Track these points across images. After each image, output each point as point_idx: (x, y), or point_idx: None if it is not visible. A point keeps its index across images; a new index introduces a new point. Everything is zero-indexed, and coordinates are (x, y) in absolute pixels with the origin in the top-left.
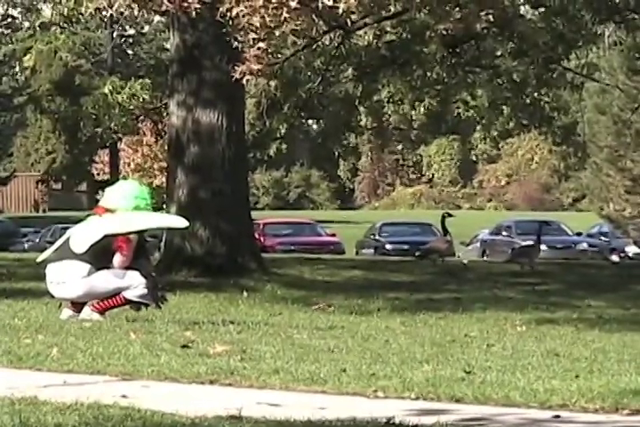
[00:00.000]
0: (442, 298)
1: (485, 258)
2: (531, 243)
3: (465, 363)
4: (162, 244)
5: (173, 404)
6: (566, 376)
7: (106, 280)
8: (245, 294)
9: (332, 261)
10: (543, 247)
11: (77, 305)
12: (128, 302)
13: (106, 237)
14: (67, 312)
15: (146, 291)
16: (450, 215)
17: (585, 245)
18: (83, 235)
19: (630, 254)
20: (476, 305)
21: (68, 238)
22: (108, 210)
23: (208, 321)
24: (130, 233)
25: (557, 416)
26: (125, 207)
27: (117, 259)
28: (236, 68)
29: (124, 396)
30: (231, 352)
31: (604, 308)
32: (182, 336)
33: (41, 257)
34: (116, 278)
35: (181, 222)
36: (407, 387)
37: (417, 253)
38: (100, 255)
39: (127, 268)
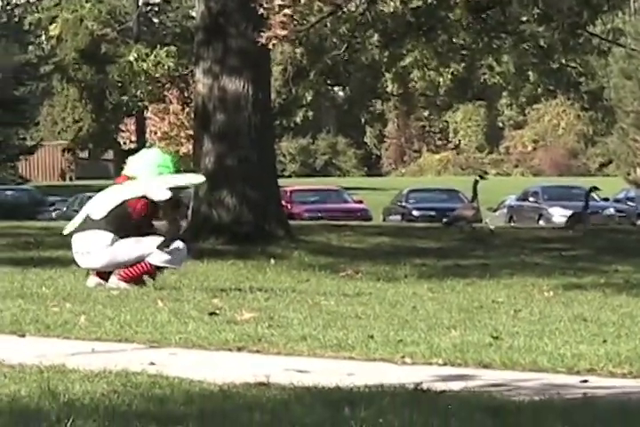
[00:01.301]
0: (469, 264)
1: (512, 224)
2: (579, 211)
3: (492, 329)
4: (189, 212)
5: (201, 371)
6: (594, 341)
7: (128, 248)
8: (273, 261)
9: (359, 227)
10: (570, 213)
11: (104, 274)
12: (153, 268)
13: (124, 202)
14: (93, 280)
15: (169, 255)
16: (482, 178)
17: (612, 211)
18: (102, 201)
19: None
20: (504, 271)
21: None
22: (129, 178)
23: (235, 288)
24: (146, 197)
25: (585, 381)
26: (148, 175)
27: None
28: (262, 33)
29: (151, 363)
30: (258, 319)
31: (632, 273)
32: (210, 304)
33: (67, 229)
34: (138, 245)
35: (198, 178)
36: (435, 353)
37: (444, 221)
38: (120, 223)
39: (150, 233)
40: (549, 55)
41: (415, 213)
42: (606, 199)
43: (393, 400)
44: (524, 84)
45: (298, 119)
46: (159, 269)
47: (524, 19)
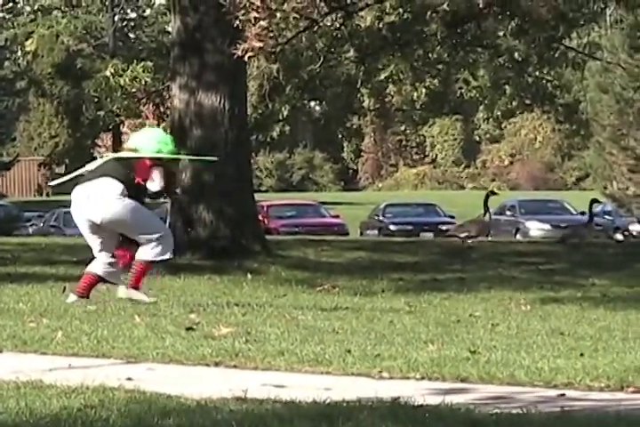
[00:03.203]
0: (446, 278)
1: (489, 237)
2: (583, 222)
3: (470, 343)
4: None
5: (178, 386)
6: (571, 355)
7: (140, 216)
8: (250, 276)
9: (336, 242)
10: (547, 226)
11: (125, 257)
12: (150, 263)
13: (134, 158)
14: (72, 297)
15: (161, 247)
16: (494, 193)
17: None
18: (97, 161)
19: (634, 233)
20: (481, 285)
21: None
22: (131, 150)
23: (212, 303)
24: (154, 164)
25: (563, 395)
26: (148, 149)
27: (151, 177)
28: (237, 46)
29: (129, 379)
30: (236, 334)
31: (609, 286)
32: (187, 319)
33: (54, 182)
34: (147, 220)
35: (211, 157)
36: (412, 367)
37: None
38: (125, 178)
39: (159, 193)
40: (525, 69)
41: (392, 227)
42: (583, 213)
43: (371, 415)
44: (500, 98)
45: (274, 134)
46: (156, 262)
47: (500, 33)
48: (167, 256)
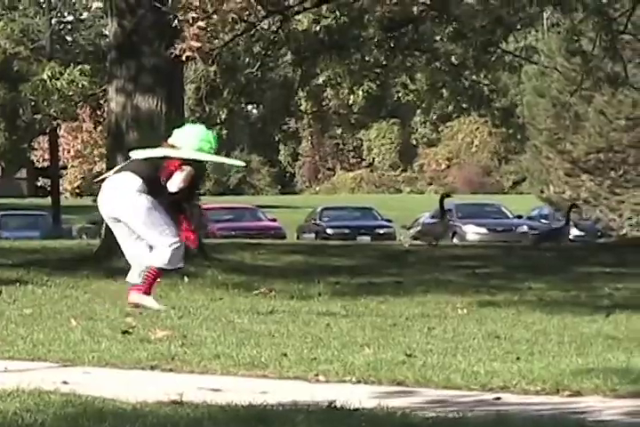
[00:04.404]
0: (383, 282)
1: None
2: (559, 226)
3: (406, 346)
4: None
5: (114, 390)
6: (507, 358)
7: (150, 215)
8: (186, 279)
9: (272, 245)
10: (484, 230)
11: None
12: (162, 270)
13: (164, 158)
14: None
15: (169, 254)
16: (448, 196)
17: (525, 228)
18: (145, 150)
19: (571, 237)
20: (417, 289)
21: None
22: (172, 146)
23: (149, 307)
24: (187, 160)
25: (498, 398)
26: (190, 146)
27: (172, 178)
28: (176, 45)
29: (65, 382)
30: (172, 338)
31: (545, 290)
32: (123, 322)
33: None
34: (157, 221)
35: (238, 162)
36: (348, 371)
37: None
38: (151, 175)
39: (177, 197)
40: (461, 72)
41: (329, 230)
42: (519, 217)
43: (307, 418)
44: (437, 102)
45: None
46: (164, 270)
47: (437, 37)
48: (179, 265)
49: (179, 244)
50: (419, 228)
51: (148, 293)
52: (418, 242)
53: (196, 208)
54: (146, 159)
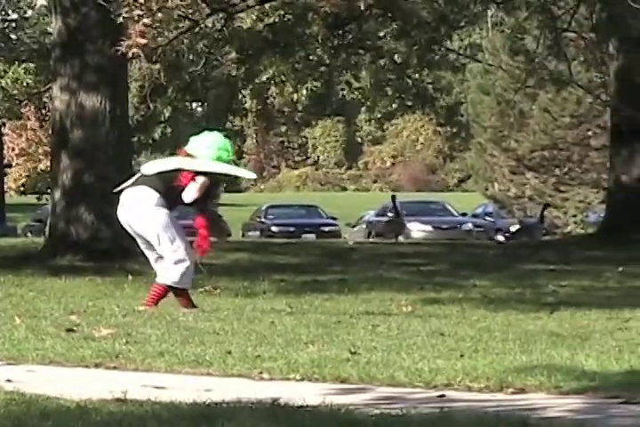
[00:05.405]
0: (327, 279)
1: (371, 239)
2: (534, 221)
3: (350, 344)
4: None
5: (58, 388)
6: (451, 356)
7: (173, 231)
8: (131, 277)
9: (217, 243)
10: (429, 228)
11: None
12: (167, 289)
13: (177, 170)
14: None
15: (180, 273)
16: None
17: (470, 226)
18: (156, 162)
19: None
20: (362, 286)
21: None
22: (189, 155)
23: (93, 305)
24: (199, 173)
25: (442, 395)
26: (208, 156)
27: (187, 189)
28: (121, 42)
29: (8, 380)
30: (116, 335)
31: (489, 287)
32: (67, 320)
33: (119, 187)
34: (175, 238)
35: (250, 174)
36: (292, 368)
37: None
38: (167, 187)
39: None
40: (405, 71)
41: (274, 228)
42: (464, 214)
43: (251, 416)
44: (382, 100)
45: (156, 135)
46: (171, 288)
47: (382, 34)
48: (187, 286)
49: (188, 264)
50: (364, 226)
51: (156, 303)
52: (362, 240)
53: (215, 215)
54: (159, 173)
